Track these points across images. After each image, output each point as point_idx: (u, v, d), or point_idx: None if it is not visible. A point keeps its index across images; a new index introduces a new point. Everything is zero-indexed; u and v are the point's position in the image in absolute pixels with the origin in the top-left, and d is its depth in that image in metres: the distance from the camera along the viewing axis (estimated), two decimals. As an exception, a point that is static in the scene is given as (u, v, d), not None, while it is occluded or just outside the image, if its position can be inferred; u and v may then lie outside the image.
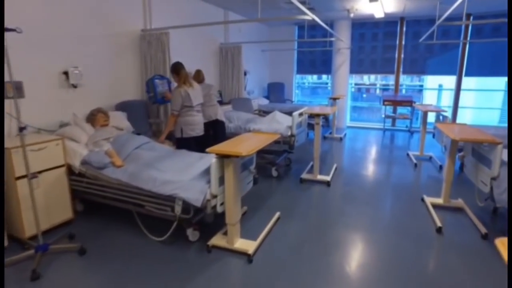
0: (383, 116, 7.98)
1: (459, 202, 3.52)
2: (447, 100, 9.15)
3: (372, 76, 9.90)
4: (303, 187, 4.14)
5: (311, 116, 4.27)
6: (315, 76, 10.71)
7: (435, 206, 3.47)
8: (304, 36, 7.58)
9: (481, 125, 5.43)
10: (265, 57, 8.92)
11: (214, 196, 2.39)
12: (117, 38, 4.06)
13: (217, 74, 6.63)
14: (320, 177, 4.30)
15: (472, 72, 7.57)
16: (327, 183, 4.18)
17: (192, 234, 2.72)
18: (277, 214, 3.22)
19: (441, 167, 4.99)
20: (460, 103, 7.73)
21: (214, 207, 2.43)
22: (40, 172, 2.69)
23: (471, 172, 3.16)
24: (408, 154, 5.75)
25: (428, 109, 5.12)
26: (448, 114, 7.99)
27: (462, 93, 7.67)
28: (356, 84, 9.90)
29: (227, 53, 6.56)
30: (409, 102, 7.45)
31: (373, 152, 6.09)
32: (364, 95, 11.74)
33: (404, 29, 7.80)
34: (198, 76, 4.36)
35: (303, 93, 10.70)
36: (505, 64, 7.38)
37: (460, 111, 7.82)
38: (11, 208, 2.66)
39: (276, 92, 8.75)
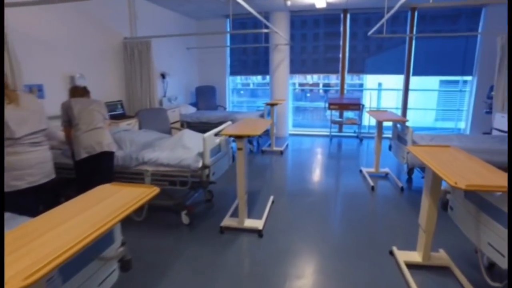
0: (329, 121, 6.99)
1: (442, 256, 2.47)
2: (388, 101, 8.47)
3: (315, 76, 8.94)
4: (224, 239, 2.85)
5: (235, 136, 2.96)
6: (260, 77, 9.54)
7: (411, 266, 2.38)
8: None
9: (424, 127, 4.56)
10: (192, 56, 7.50)
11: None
12: None
13: (121, 78, 5.09)
14: (248, 223, 3.04)
15: (419, 71, 6.87)
16: (259, 233, 2.93)
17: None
18: None
19: (402, 189, 4.00)
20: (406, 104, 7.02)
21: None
22: None
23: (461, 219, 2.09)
24: (361, 171, 4.73)
25: (385, 118, 4.11)
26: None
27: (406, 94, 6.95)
28: (300, 85, 8.90)
29: (133, 50, 5.05)
30: (357, 106, 6.53)
31: (320, 170, 4.99)
32: (308, 94, 10.85)
33: (348, 23, 6.89)
34: (76, 91, 2.93)
35: (244, 96, 9.46)
36: (446, 63, 6.78)
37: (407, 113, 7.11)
38: None
39: (206, 97, 7.39)
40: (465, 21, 6.69)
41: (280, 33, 5.69)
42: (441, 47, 6.84)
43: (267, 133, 6.13)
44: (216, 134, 3.08)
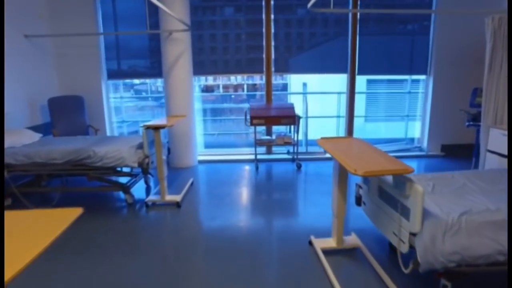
0: (252, 140, 4.95)
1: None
2: (315, 106, 6.77)
3: (232, 76, 6.91)
4: None
5: None
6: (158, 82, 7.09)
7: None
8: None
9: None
10: (40, 50, 4.83)
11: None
12: None
13: None
14: None
15: (365, 69, 5.23)
16: None
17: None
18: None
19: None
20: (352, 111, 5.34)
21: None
22: None
23: None
24: (311, 243, 2.70)
25: (373, 169, 2.14)
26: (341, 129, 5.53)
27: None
28: (207, 89, 6.75)
29: None
30: (291, 118, 4.58)
31: (240, 244, 2.87)
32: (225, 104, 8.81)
33: (272, 3, 4.93)
34: None
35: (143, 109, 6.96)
36: (395, 59, 5.27)
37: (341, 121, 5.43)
38: None
39: (67, 115, 4.79)
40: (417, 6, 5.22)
41: (175, 16, 3.50)
42: (390, 39, 5.29)
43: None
44: None
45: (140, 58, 5.30)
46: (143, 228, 3.10)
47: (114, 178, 4.01)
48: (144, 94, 7.19)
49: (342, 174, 2.39)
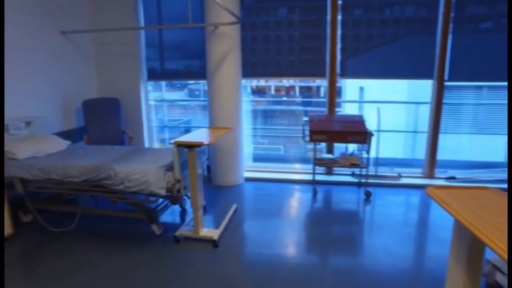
0: (311, 158, 4.04)
1: None
2: (372, 115, 5.60)
3: (286, 80, 6.08)
4: None
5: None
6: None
7: None
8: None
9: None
10: (78, 48, 4.39)
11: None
12: None
13: None
14: None
15: (458, 74, 4.07)
16: None
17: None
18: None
19: None
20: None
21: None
22: None
23: None
24: None
25: None
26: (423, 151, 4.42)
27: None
28: (257, 90, 5.96)
29: None
30: (362, 135, 3.62)
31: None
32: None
33: (340, -11, 4.01)
34: None
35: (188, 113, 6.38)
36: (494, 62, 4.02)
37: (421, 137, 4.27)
38: None
39: (101, 119, 4.29)
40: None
41: (220, 4, 2.75)
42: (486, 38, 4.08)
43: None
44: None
45: (184, 57, 4.65)
46: (166, 275, 2.36)
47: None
48: (185, 97, 6.60)
49: (474, 255, 1.45)
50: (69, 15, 4.17)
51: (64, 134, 4.02)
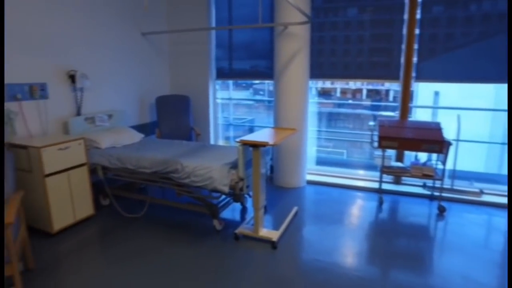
0: (378, 166, 3.81)
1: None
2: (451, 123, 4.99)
3: (352, 82, 5.85)
4: None
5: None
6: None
7: None
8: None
9: None
10: (156, 48, 4.70)
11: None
12: None
13: None
14: None
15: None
16: None
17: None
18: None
19: None
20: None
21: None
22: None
23: None
24: None
25: None
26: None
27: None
28: (323, 92, 5.79)
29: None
30: (437, 143, 3.31)
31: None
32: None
33: (421, -15, 3.70)
34: None
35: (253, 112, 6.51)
36: None
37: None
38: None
39: (172, 115, 4.54)
40: None
41: (291, 2, 2.73)
42: None
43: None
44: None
45: (251, 57, 4.71)
46: (224, 270, 2.40)
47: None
48: (250, 96, 6.69)
49: None
50: (149, 17, 4.48)
51: (138, 127, 4.33)
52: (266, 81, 5.67)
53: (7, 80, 2.87)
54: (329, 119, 6.63)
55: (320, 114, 5.05)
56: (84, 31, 3.58)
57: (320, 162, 4.83)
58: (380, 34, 4.02)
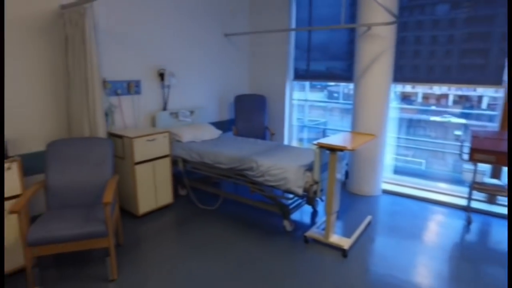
0: (467, 181, 3.43)
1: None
2: None
3: (437, 86, 5.35)
4: None
5: None
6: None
7: None
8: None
9: None
10: (237, 48, 4.88)
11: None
12: None
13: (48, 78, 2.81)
14: None
15: None
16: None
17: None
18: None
19: None
20: None
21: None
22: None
23: None
24: None
25: None
26: None
27: None
28: (404, 97, 5.39)
29: (76, 26, 2.71)
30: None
31: None
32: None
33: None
34: None
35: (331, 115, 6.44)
36: None
37: None
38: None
39: (248, 114, 4.67)
40: None
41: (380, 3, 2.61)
42: None
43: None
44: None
45: (327, 59, 4.60)
46: (292, 272, 2.40)
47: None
48: (324, 98, 6.56)
49: None
50: (232, 19, 4.66)
51: (217, 124, 4.54)
52: (341, 84, 5.50)
53: (112, 77, 3.25)
54: (408, 126, 6.17)
55: (400, 120, 4.74)
56: (172, 33, 3.88)
57: (397, 171, 4.53)
58: (475, 33, 3.60)
